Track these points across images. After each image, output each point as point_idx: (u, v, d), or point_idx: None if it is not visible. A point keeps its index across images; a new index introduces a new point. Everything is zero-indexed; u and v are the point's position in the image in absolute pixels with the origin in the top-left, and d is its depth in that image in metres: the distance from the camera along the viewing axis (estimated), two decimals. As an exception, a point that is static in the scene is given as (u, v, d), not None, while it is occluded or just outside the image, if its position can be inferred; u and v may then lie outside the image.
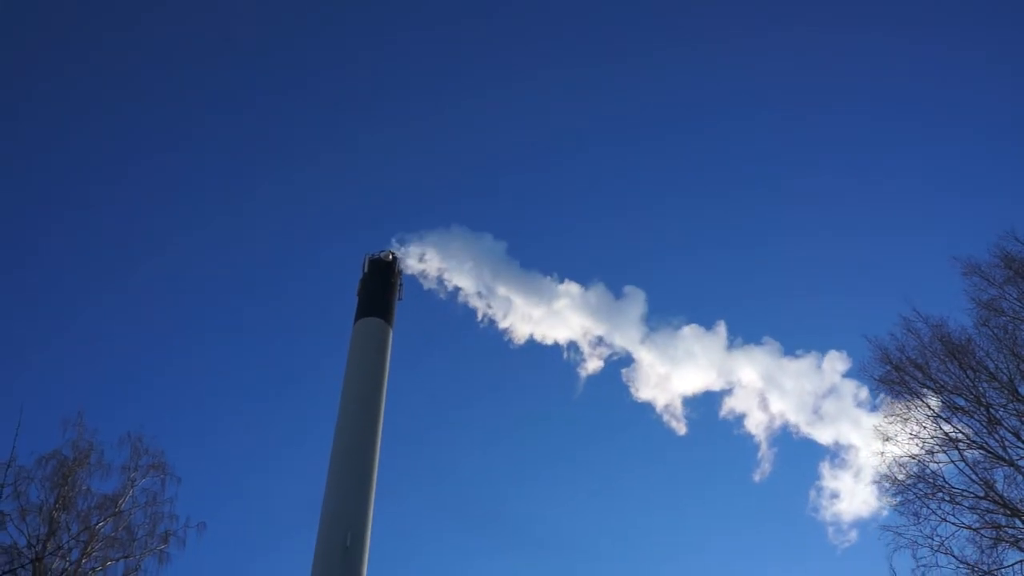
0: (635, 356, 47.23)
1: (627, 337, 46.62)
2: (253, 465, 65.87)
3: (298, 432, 65.53)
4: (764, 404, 46.11)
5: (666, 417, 49.04)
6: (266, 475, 65.01)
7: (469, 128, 74.88)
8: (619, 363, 48.23)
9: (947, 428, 25.45)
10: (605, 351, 47.68)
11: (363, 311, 30.77)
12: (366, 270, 32.06)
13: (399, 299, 32.14)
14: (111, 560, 26.79)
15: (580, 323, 46.76)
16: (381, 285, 31.65)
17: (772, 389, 45.57)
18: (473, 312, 45.67)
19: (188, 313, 69.76)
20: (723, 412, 48.27)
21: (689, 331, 47.12)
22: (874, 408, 27.27)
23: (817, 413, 43.21)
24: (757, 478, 54.13)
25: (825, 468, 43.79)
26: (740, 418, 48.04)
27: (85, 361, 66.08)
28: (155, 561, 27.60)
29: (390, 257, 32.79)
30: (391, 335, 31.38)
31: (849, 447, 41.11)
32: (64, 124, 69.04)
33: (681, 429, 49.77)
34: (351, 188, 72.28)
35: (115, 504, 27.47)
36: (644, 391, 48.13)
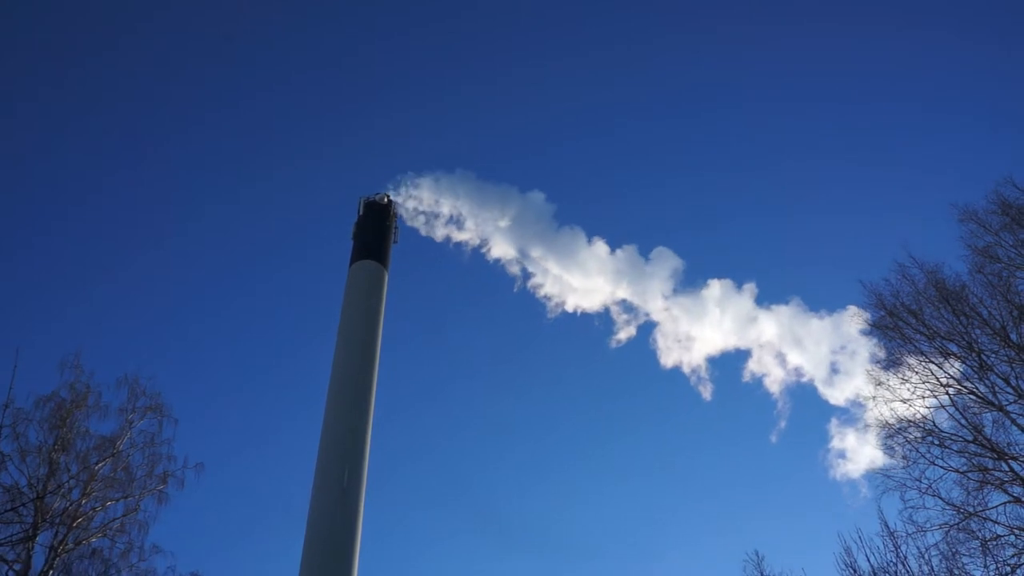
0: (663, 318, 47.36)
1: (655, 299, 46.73)
2: (251, 406, 66.46)
3: (296, 372, 65.98)
4: (784, 363, 46.04)
5: (693, 380, 49.23)
6: (264, 415, 65.72)
7: (515, 93, 74.15)
8: (647, 326, 48.37)
9: (938, 373, 25.75)
10: (633, 314, 47.79)
11: (358, 254, 30.68)
12: (361, 212, 31.84)
13: (394, 242, 32.04)
14: (111, 500, 27.13)
15: (608, 285, 46.78)
16: (376, 228, 31.49)
17: (794, 348, 45.52)
18: (504, 273, 45.72)
19: (184, 254, 69.45)
20: (747, 373, 48.32)
21: (718, 291, 46.92)
22: (889, 365, 27.20)
23: (835, 370, 43.11)
24: (774, 439, 54.65)
25: (838, 426, 43.87)
26: (762, 378, 48.03)
27: (81, 302, 66.03)
28: (154, 501, 27.97)
29: (385, 200, 32.53)
30: (386, 277, 31.36)
31: (862, 404, 41.33)
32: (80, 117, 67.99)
33: (706, 394, 50.08)
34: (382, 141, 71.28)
35: (113, 445, 27.69)
36: (671, 355, 48.29)
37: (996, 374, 24.87)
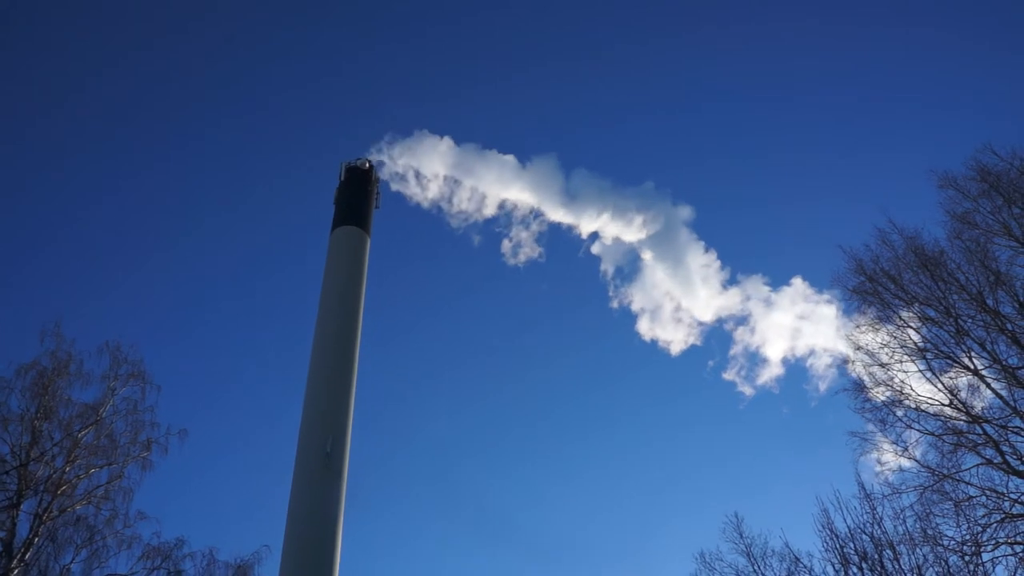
0: (742, 332, 47.12)
1: (737, 312, 46.52)
2: (233, 372, 66.27)
3: (278, 338, 65.75)
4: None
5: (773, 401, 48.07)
6: (246, 381, 65.62)
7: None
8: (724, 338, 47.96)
9: (916, 338, 26.14)
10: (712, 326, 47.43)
11: (339, 220, 30.53)
12: (342, 178, 31.64)
13: (376, 208, 31.94)
14: (95, 467, 27.18)
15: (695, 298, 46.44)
16: (358, 194, 31.30)
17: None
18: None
19: (165, 220, 68.58)
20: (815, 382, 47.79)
21: (800, 301, 46.21)
22: (868, 330, 27.12)
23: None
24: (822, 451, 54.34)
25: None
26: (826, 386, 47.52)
27: (60, 271, 65.30)
28: (138, 468, 28.06)
29: (367, 165, 32.33)
30: (368, 243, 31.25)
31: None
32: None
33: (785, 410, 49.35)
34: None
35: (96, 413, 27.69)
36: (751, 369, 47.95)
37: (972, 339, 25.25)
